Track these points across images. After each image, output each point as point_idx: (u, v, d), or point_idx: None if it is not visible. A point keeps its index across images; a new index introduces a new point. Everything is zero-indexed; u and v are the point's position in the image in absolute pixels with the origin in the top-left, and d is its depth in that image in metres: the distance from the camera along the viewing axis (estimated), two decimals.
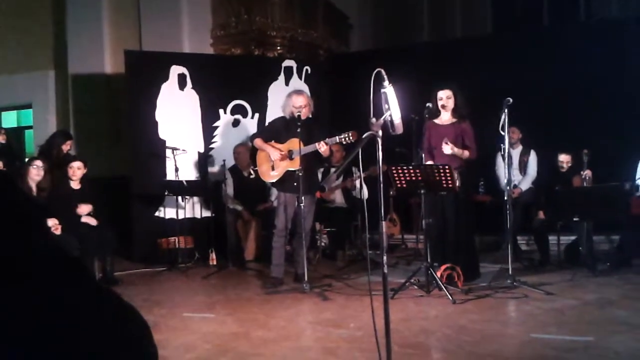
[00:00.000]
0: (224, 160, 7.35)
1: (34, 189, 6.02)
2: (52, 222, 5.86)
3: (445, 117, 5.70)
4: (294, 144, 5.63)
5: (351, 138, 5.32)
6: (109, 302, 1.07)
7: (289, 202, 5.76)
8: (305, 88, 8.35)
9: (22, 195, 1.13)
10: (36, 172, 5.98)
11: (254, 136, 6.22)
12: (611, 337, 3.81)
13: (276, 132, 5.93)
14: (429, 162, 5.52)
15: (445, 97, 5.65)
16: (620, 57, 7.73)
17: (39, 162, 6.07)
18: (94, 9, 9.48)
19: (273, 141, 5.87)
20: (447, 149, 5.40)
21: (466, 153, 5.53)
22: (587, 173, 6.28)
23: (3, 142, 8.63)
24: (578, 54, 7.91)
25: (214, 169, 7.97)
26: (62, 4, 9.79)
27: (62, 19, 9.79)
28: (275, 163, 5.80)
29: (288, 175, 5.70)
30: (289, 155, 5.72)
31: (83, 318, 1.00)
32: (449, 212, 5.57)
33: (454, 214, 5.56)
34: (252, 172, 7.44)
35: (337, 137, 5.41)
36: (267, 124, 7.21)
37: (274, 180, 5.90)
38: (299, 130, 5.52)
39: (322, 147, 5.43)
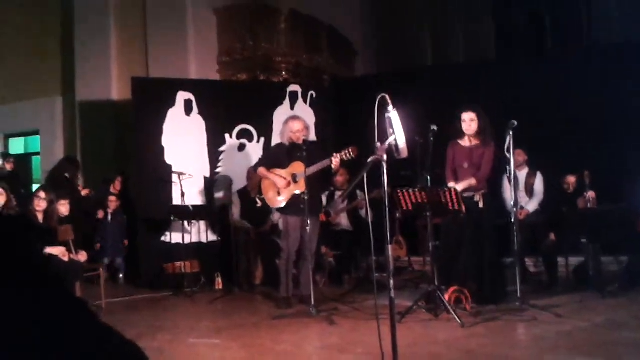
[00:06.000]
0: (231, 184, 7.37)
1: (40, 216, 6.04)
2: (60, 250, 5.88)
3: (469, 139, 5.71)
4: (297, 167, 5.72)
5: (352, 154, 5.43)
6: (109, 339, 1.07)
7: (295, 225, 5.80)
8: (310, 113, 8.42)
9: (23, 236, 1.13)
10: (37, 203, 6.02)
11: (256, 166, 6.27)
12: (621, 359, 3.76)
13: (277, 158, 6.00)
14: (452, 184, 5.48)
15: (468, 119, 5.64)
16: (622, 80, 7.75)
17: (41, 194, 6.10)
18: (101, 36, 9.62)
19: (275, 168, 5.93)
20: (458, 187, 5.40)
21: (473, 181, 5.53)
22: (590, 194, 6.28)
23: (10, 169, 8.71)
24: (580, 77, 7.95)
25: (220, 193, 7.98)
26: (70, 31, 9.94)
27: (70, 46, 9.93)
28: (280, 189, 5.85)
29: (294, 199, 5.75)
30: (293, 179, 5.79)
31: (84, 356, 1.00)
32: (469, 234, 5.53)
33: (477, 235, 5.52)
34: (258, 200, 7.45)
35: (338, 154, 5.50)
36: (267, 151, 7.25)
37: (281, 206, 5.93)
38: (304, 154, 5.61)
39: (335, 160, 5.50)
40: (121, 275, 8.14)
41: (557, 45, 14.37)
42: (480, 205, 5.52)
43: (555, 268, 6.45)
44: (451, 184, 5.49)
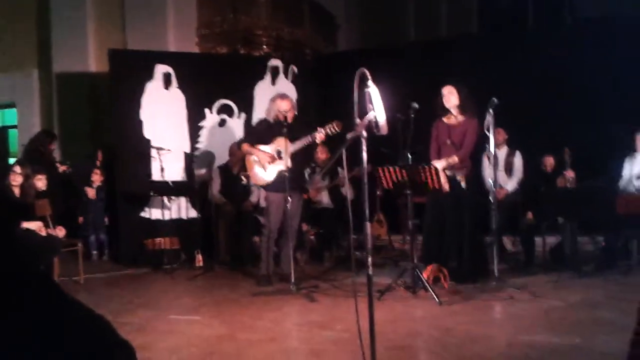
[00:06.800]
0: (212, 160, 7.31)
1: (17, 191, 5.96)
2: (36, 225, 5.81)
3: (452, 115, 5.69)
4: (281, 143, 5.67)
5: (336, 128, 5.40)
6: (73, 311, 1.05)
7: (278, 203, 5.77)
8: (291, 88, 8.34)
9: None
10: (13, 178, 5.93)
11: (240, 142, 6.23)
12: (597, 338, 3.82)
13: (261, 135, 5.94)
14: (436, 162, 5.46)
15: (446, 92, 5.62)
16: (604, 57, 7.77)
17: (17, 168, 6.01)
18: (78, 7, 9.40)
19: (260, 144, 5.88)
20: (438, 165, 5.39)
21: (454, 159, 5.52)
22: (570, 173, 6.34)
23: None
24: (562, 55, 7.95)
25: (201, 169, 7.91)
26: (47, 2, 9.69)
27: (47, 18, 9.69)
28: (265, 165, 5.82)
29: (278, 176, 5.72)
30: (278, 155, 5.75)
31: (48, 330, 0.98)
32: (451, 213, 5.55)
33: (458, 214, 5.54)
34: (243, 177, 7.39)
35: (322, 129, 5.47)
36: (251, 128, 7.25)
37: (267, 182, 5.89)
38: (286, 130, 5.57)
39: (319, 135, 5.49)
40: (106, 251, 8.06)
41: (540, 21, 14.34)
42: (463, 185, 5.54)
43: (532, 247, 6.52)
44: (434, 162, 5.49)
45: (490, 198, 5.42)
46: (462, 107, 5.63)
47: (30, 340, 0.95)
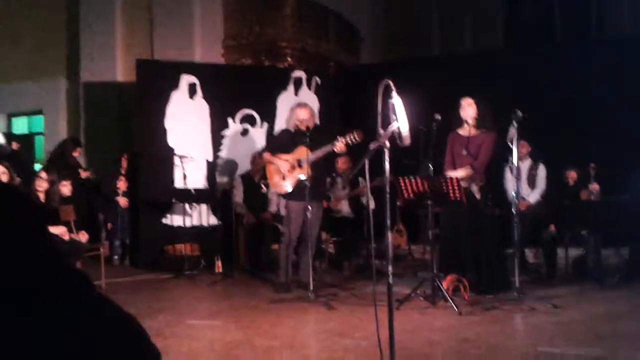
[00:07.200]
0: (235, 168, 7.39)
1: (42, 197, 6.07)
2: (60, 230, 5.92)
3: (468, 127, 5.70)
4: (302, 152, 5.71)
5: (357, 137, 5.40)
6: (108, 311, 1.07)
7: (298, 211, 5.80)
8: (314, 99, 8.39)
9: (26, 207, 1.13)
10: (38, 184, 6.04)
11: (262, 151, 6.28)
12: (618, 351, 3.78)
13: (282, 144, 5.98)
14: (450, 173, 5.47)
15: (466, 104, 5.63)
16: (630, 73, 7.71)
17: (43, 174, 6.14)
18: (107, 17, 9.60)
19: (280, 153, 5.93)
20: (456, 174, 5.40)
21: (469, 170, 5.51)
22: (594, 187, 6.29)
23: (16, 149, 8.73)
24: (588, 69, 7.91)
25: (223, 177, 7.99)
26: (75, 12, 9.90)
27: (75, 27, 9.90)
28: (285, 174, 5.85)
29: (298, 184, 5.76)
30: (298, 164, 5.79)
31: (83, 328, 1.00)
32: (467, 225, 5.54)
33: (474, 226, 5.52)
34: (263, 185, 7.43)
35: (343, 138, 5.48)
36: (272, 137, 7.31)
37: (287, 190, 5.93)
38: (308, 140, 5.60)
39: (339, 144, 5.49)
40: (128, 256, 8.13)
41: (566, 35, 14.26)
42: (477, 196, 5.52)
43: (554, 259, 6.46)
44: (449, 173, 5.49)
45: (513, 210, 5.39)
46: (479, 121, 5.63)
47: (30, 341, 0.96)
